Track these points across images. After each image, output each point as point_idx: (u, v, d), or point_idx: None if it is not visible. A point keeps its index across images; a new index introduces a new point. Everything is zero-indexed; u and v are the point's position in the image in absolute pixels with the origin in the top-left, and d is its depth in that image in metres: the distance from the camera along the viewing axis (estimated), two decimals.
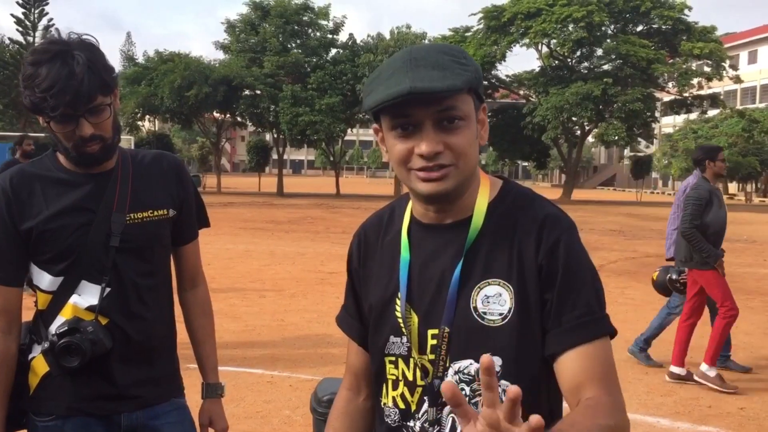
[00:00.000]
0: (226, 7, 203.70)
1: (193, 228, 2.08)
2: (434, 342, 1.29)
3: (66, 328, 1.79)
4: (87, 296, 1.83)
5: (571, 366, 1.21)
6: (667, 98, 43.98)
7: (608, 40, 39.01)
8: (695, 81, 39.21)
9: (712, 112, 43.33)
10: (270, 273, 11.11)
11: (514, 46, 40.17)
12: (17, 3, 44.71)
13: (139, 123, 44.55)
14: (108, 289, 1.83)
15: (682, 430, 4.79)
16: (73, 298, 1.82)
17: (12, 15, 45.48)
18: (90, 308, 1.82)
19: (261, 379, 5.63)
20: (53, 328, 1.82)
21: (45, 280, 1.84)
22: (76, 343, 1.77)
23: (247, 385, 5.40)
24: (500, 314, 1.25)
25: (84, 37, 1.77)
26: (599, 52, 40.29)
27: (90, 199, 1.84)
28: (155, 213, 1.91)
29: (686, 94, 40.74)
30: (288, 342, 6.80)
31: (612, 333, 1.26)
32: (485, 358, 0.86)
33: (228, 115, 42.68)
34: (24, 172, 1.86)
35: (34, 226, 1.80)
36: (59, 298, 1.83)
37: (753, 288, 10.60)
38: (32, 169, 1.87)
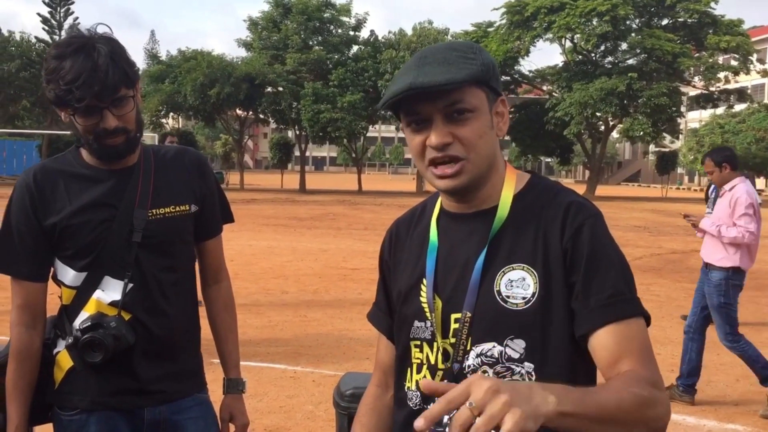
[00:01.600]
0: (245, 4, 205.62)
1: (216, 223, 2.07)
2: (456, 326, 1.30)
3: (89, 323, 1.80)
4: (110, 291, 1.83)
5: (605, 344, 1.21)
6: (693, 93, 43.44)
7: (633, 34, 38.56)
8: (722, 75, 38.65)
9: (739, 107, 42.64)
10: (292, 269, 11.15)
11: (537, 41, 39.91)
12: (43, 2, 45.29)
13: (163, 120, 44.90)
14: (131, 285, 1.84)
15: (708, 428, 4.73)
16: (97, 294, 1.83)
17: (38, 14, 46.18)
18: (113, 303, 1.83)
19: (284, 374, 5.65)
20: (77, 324, 1.83)
21: (69, 275, 1.85)
22: (99, 338, 1.78)
23: (270, 380, 5.43)
24: (523, 298, 1.27)
25: (105, 30, 1.78)
26: (624, 46, 39.86)
27: (112, 195, 1.84)
28: (177, 209, 1.91)
29: (712, 89, 40.20)
30: (311, 337, 6.82)
31: (645, 316, 1.25)
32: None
33: (250, 113, 42.91)
34: (47, 168, 1.87)
35: (57, 222, 1.81)
36: (83, 293, 1.84)
37: None
38: (55, 165, 1.88)
